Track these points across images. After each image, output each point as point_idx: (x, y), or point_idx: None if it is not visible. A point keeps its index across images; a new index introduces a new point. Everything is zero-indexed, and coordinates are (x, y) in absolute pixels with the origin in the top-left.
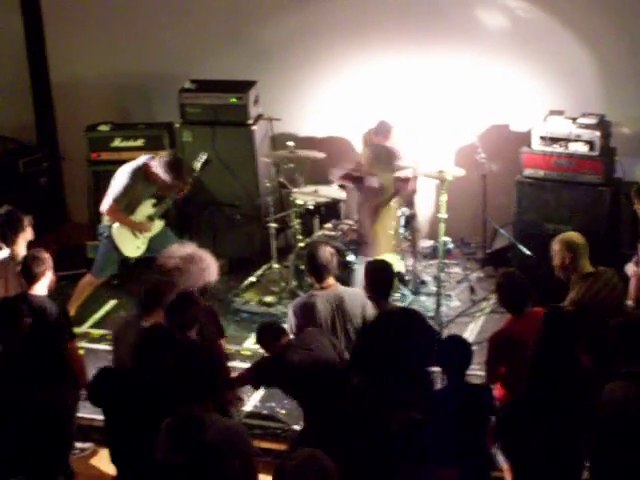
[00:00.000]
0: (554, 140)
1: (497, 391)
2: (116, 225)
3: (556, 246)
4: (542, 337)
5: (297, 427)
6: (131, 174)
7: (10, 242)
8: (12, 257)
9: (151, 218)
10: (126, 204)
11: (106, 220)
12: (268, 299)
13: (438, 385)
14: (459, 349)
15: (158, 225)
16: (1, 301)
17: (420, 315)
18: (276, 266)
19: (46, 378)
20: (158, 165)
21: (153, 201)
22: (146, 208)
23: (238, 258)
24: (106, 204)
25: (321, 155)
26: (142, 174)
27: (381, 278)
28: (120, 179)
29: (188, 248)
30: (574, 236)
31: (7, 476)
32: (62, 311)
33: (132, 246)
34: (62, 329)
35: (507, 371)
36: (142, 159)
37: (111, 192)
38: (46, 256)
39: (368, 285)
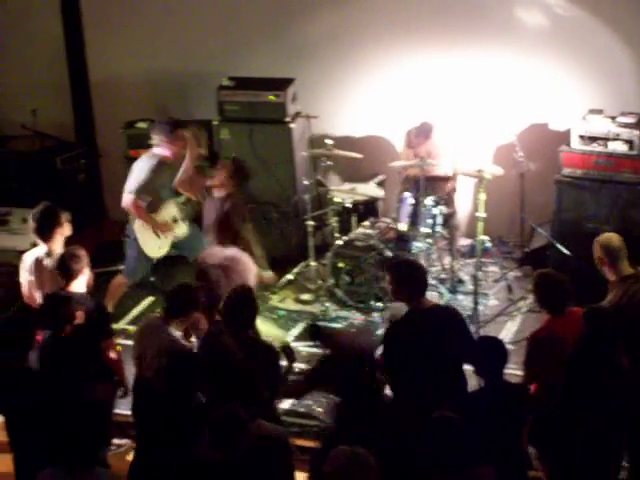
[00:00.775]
0: (593, 139)
1: (534, 391)
2: (138, 223)
3: (596, 247)
4: (582, 337)
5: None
6: (150, 166)
7: (47, 238)
8: (48, 254)
9: (175, 220)
10: (148, 201)
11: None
12: (305, 297)
13: (475, 385)
14: (495, 349)
15: (183, 227)
16: (50, 295)
17: (457, 313)
18: (313, 264)
19: (84, 374)
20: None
21: (178, 202)
22: (171, 209)
23: (275, 256)
24: (126, 198)
25: (358, 155)
26: (160, 165)
27: (417, 276)
28: (138, 171)
29: (229, 250)
30: (612, 239)
31: (45, 466)
32: (100, 308)
33: (153, 245)
34: (100, 326)
35: (545, 371)
36: (158, 150)
37: (129, 185)
38: (83, 253)
39: (404, 284)
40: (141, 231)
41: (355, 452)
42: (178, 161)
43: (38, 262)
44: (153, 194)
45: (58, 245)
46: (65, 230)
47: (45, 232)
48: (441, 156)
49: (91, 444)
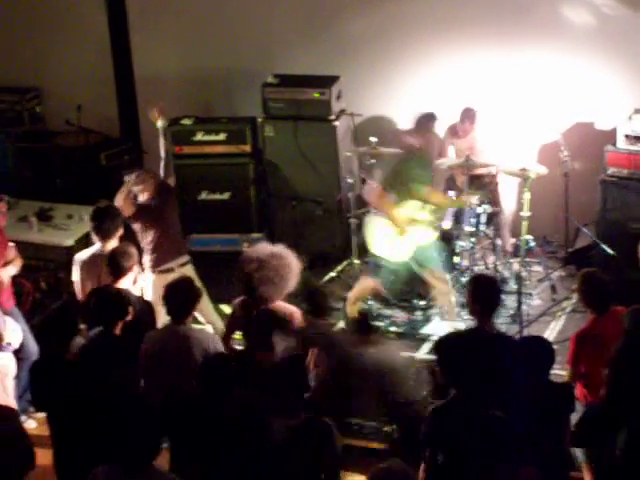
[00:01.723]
0: (639, 139)
1: (578, 390)
2: (372, 211)
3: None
4: (624, 336)
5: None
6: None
7: (106, 237)
8: (102, 252)
9: (413, 221)
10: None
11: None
12: (348, 295)
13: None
14: (541, 349)
15: (422, 236)
16: (102, 290)
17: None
18: (356, 262)
19: (131, 372)
20: None
21: (428, 208)
22: (415, 208)
23: (319, 253)
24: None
25: (394, 151)
26: (415, 155)
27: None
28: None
29: (273, 247)
30: None
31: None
32: (147, 305)
33: (380, 243)
34: (146, 324)
35: (589, 370)
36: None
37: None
38: (134, 251)
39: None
40: (370, 220)
41: (392, 469)
42: (427, 156)
43: (94, 260)
44: (400, 180)
45: (113, 245)
46: (120, 233)
47: (105, 231)
48: (483, 152)
49: (148, 443)
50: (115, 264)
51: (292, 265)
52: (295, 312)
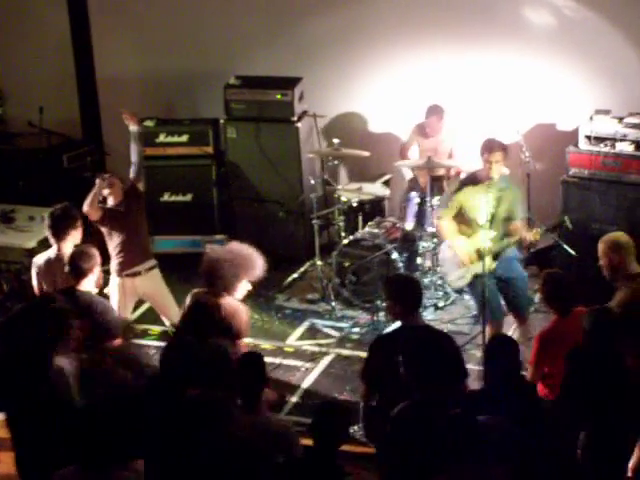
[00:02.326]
0: (600, 140)
1: (540, 390)
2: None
3: (602, 247)
4: (583, 337)
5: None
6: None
7: (60, 239)
8: (58, 255)
9: (481, 254)
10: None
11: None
12: (311, 296)
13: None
14: (506, 348)
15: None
16: (47, 300)
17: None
18: (319, 263)
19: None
20: None
21: (500, 235)
22: (484, 238)
23: (282, 255)
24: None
25: (366, 154)
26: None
27: (411, 291)
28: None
29: (235, 245)
30: (620, 236)
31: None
32: (108, 308)
33: (454, 272)
34: (108, 325)
35: (552, 370)
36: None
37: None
38: (94, 252)
39: (397, 299)
40: (446, 249)
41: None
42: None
43: (49, 263)
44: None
45: (69, 247)
46: (78, 234)
47: (58, 232)
48: (446, 155)
49: (108, 445)
50: (74, 266)
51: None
52: (239, 309)
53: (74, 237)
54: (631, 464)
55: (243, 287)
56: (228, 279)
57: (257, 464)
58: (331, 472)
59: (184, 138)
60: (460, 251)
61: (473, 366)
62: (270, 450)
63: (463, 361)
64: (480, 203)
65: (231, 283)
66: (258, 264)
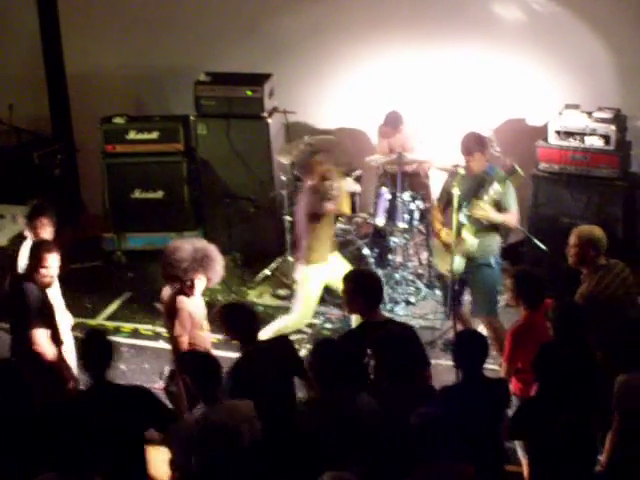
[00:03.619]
0: (570, 134)
1: (514, 385)
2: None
3: (577, 239)
4: (552, 330)
5: None
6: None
7: (37, 228)
8: None
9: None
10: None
11: None
12: (282, 292)
13: (454, 380)
14: (475, 343)
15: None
16: None
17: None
18: (290, 259)
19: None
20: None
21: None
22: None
23: (252, 251)
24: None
25: (331, 138)
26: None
27: (373, 286)
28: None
29: (198, 242)
30: (598, 232)
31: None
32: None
33: (442, 259)
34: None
35: (525, 365)
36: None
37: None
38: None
39: (358, 294)
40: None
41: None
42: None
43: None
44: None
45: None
46: (46, 230)
47: (29, 225)
48: (415, 150)
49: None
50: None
51: (208, 257)
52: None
53: (48, 232)
54: (603, 458)
55: (199, 284)
56: (182, 269)
57: None
58: None
59: (154, 135)
60: (443, 236)
61: (445, 362)
62: None
63: (425, 349)
64: (462, 192)
65: (185, 272)
66: (217, 267)
